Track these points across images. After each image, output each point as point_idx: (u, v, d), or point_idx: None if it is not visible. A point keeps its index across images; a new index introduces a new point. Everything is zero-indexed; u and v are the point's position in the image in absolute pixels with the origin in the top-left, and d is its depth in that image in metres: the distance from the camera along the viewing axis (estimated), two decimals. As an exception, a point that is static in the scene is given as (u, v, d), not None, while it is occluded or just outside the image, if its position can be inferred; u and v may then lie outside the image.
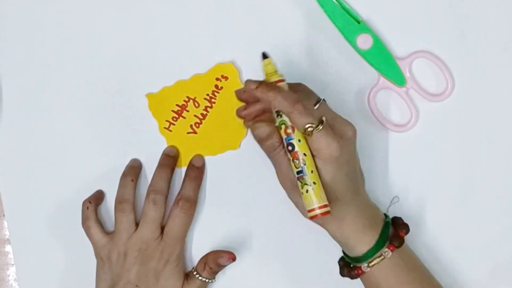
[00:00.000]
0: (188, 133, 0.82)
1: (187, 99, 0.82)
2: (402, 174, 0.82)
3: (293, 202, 0.76)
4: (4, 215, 0.84)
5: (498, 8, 0.81)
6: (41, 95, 0.83)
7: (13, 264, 0.85)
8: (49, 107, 0.83)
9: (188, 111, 0.82)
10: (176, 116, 0.82)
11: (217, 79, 0.81)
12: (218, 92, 0.82)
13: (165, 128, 0.82)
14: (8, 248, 0.85)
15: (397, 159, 0.82)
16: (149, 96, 0.82)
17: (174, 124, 0.82)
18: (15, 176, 0.84)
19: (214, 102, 0.82)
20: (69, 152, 0.83)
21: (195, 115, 0.82)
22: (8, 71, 0.84)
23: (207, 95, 0.82)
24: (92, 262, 0.81)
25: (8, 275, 0.85)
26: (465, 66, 0.81)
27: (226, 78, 0.81)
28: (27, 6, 0.83)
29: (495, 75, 0.81)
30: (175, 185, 0.82)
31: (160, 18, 0.82)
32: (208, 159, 0.83)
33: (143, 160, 0.83)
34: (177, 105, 0.82)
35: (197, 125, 0.82)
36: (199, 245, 0.83)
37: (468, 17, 0.81)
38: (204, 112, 0.82)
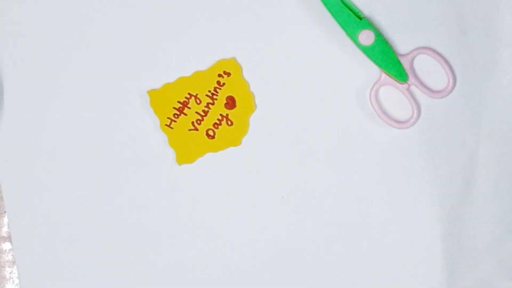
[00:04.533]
0: (189, 130, 0.82)
1: (188, 96, 0.82)
2: (403, 172, 0.82)
3: None
4: (5, 212, 0.84)
5: (500, 5, 0.81)
6: (43, 92, 0.83)
7: (14, 262, 0.85)
8: (50, 104, 0.83)
9: (189, 107, 0.82)
10: (178, 113, 0.82)
11: (219, 75, 0.81)
12: (220, 89, 0.81)
13: (166, 125, 0.82)
14: (9, 245, 0.85)
15: (398, 156, 0.82)
16: (151, 92, 0.82)
17: (175, 121, 0.82)
18: (16, 173, 0.84)
19: (216, 99, 0.82)
20: (70, 149, 0.83)
21: (196, 112, 0.82)
22: (9, 69, 0.83)
23: (209, 91, 0.81)
24: (93, 260, 0.81)
25: (10, 273, 0.85)
26: (466, 63, 0.81)
27: (229, 74, 0.81)
28: (28, 3, 0.83)
29: (497, 72, 0.81)
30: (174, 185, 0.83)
31: (161, 14, 0.82)
32: (209, 155, 0.83)
33: (143, 157, 0.83)
34: (178, 101, 0.82)
35: (198, 122, 0.82)
36: (199, 241, 0.83)
37: (470, 14, 0.81)
38: (206, 109, 0.82)
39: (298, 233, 0.82)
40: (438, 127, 0.81)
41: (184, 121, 0.82)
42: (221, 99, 0.82)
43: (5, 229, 0.85)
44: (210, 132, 0.82)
